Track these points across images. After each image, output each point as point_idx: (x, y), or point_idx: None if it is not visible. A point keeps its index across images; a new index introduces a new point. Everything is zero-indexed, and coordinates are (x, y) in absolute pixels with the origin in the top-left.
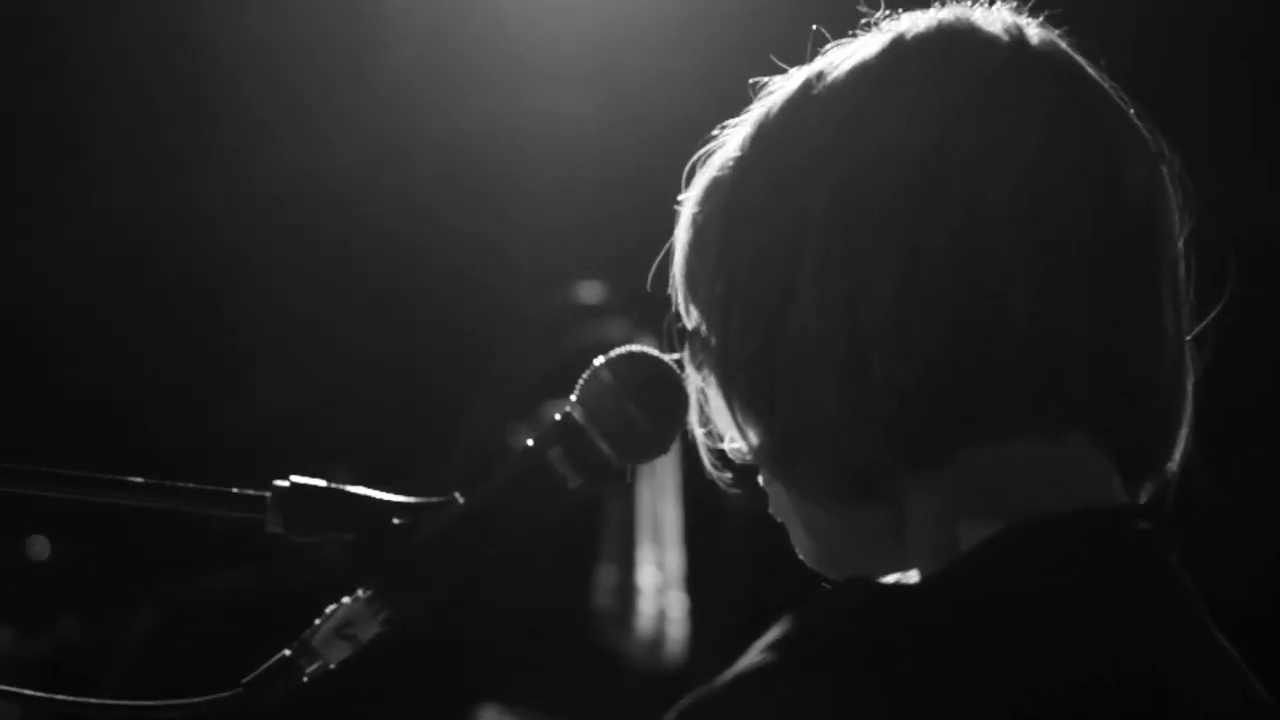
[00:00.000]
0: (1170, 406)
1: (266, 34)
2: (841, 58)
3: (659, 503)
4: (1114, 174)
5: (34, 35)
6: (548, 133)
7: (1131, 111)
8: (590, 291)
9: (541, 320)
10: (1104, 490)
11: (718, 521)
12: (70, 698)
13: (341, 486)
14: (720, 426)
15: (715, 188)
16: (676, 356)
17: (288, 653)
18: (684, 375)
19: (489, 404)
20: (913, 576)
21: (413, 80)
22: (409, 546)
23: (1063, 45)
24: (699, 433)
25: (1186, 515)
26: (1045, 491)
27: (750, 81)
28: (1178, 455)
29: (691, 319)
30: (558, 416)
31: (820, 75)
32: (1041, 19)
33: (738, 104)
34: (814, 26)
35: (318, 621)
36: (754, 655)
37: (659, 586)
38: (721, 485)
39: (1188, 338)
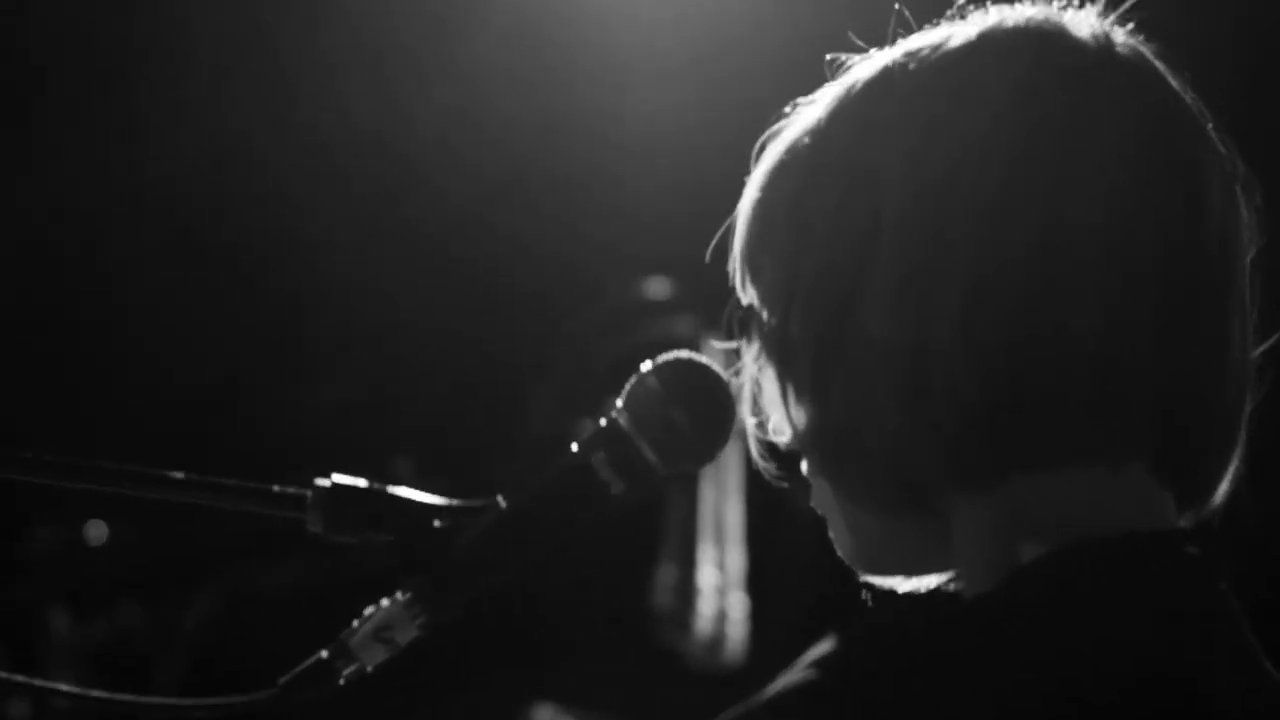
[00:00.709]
0: (1229, 436)
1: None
2: (927, 47)
3: (722, 502)
4: (1194, 196)
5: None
6: (622, 127)
7: (1210, 126)
8: (658, 287)
9: (609, 315)
10: (1157, 516)
11: (780, 523)
12: (104, 693)
13: (383, 487)
14: (772, 415)
15: (785, 171)
16: (734, 345)
17: (324, 654)
18: (733, 386)
19: (553, 399)
20: (950, 583)
21: (494, 62)
22: (449, 550)
23: (1148, 55)
24: (750, 423)
25: (1233, 544)
26: (1098, 516)
27: (828, 58)
28: (1227, 482)
29: (750, 298)
30: (603, 422)
31: (904, 64)
32: (1128, 26)
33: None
34: (896, 6)
35: (355, 623)
36: (798, 672)
37: (719, 587)
38: (769, 477)
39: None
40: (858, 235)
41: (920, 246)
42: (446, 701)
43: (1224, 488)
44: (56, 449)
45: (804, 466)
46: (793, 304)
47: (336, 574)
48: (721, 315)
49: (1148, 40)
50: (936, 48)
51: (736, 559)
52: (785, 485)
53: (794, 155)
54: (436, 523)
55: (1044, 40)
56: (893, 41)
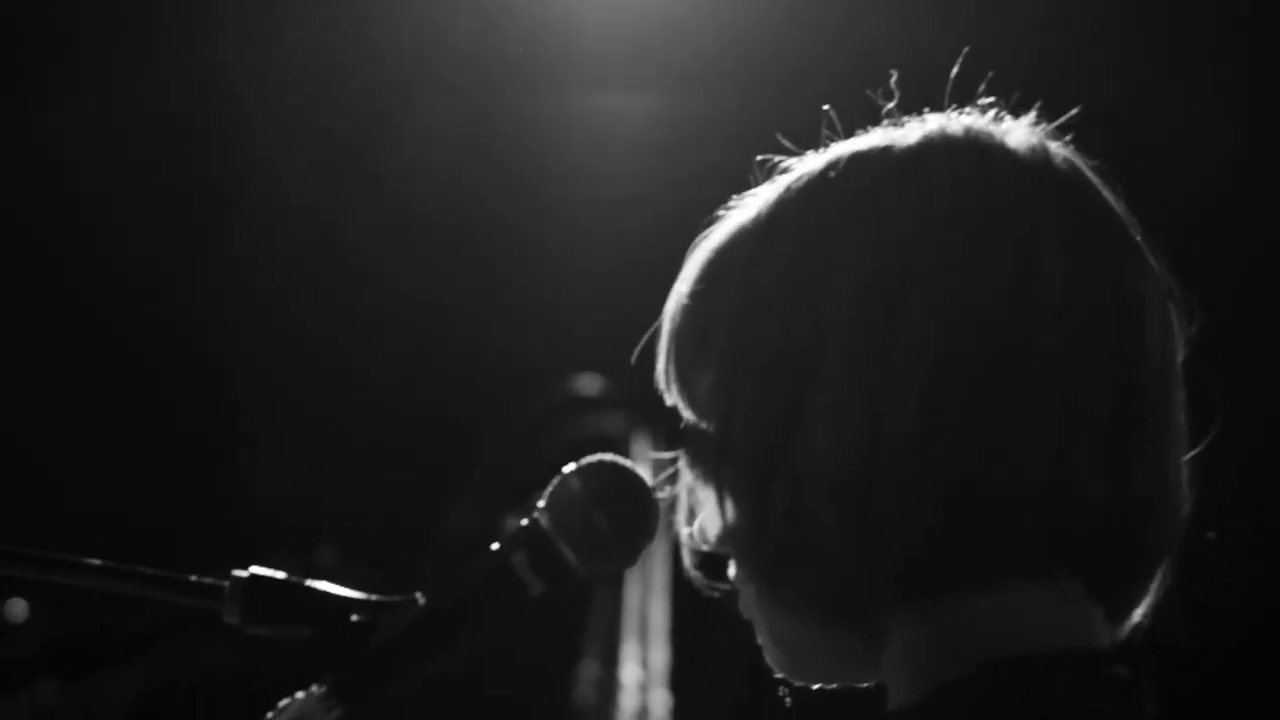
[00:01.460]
0: (1163, 555)
1: None
2: (869, 151)
3: (646, 599)
4: (1138, 319)
5: None
6: (549, 226)
7: (1140, 238)
8: (589, 383)
9: (538, 411)
10: (1088, 634)
11: (705, 620)
12: None
13: (301, 580)
14: (705, 521)
15: (720, 276)
16: (668, 455)
17: None
18: (661, 491)
19: (477, 495)
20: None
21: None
22: (366, 645)
23: (1083, 169)
24: (683, 532)
25: (1163, 662)
26: (1032, 632)
27: (757, 159)
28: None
29: (681, 404)
30: (524, 522)
31: (846, 169)
32: (1064, 140)
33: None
34: (825, 108)
35: (270, 716)
36: None
37: (642, 683)
38: (701, 587)
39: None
40: (800, 351)
41: (867, 365)
42: None
43: (1148, 604)
44: None
45: (732, 572)
46: (732, 417)
47: (258, 659)
48: (651, 412)
49: (1079, 154)
50: (880, 152)
51: (660, 656)
52: (716, 595)
53: (729, 260)
54: (354, 617)
55: (986, 152)
56: (825, 144)
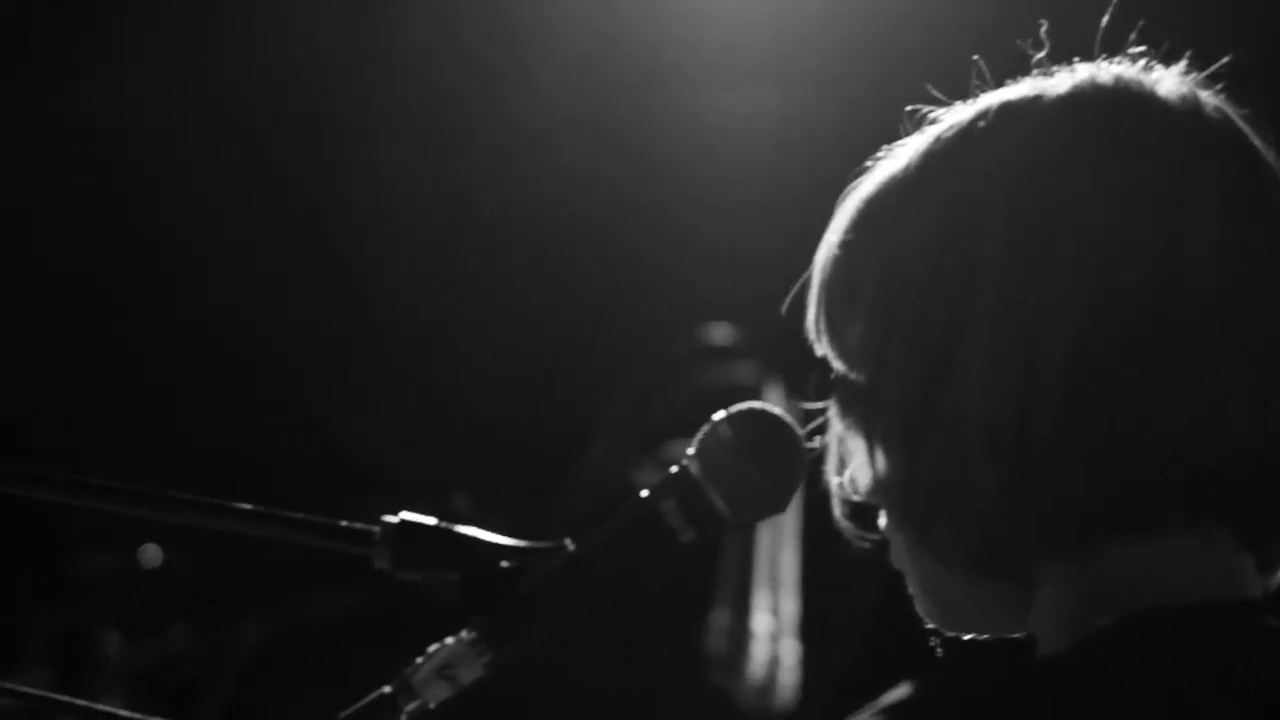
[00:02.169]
0: None
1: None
2: (1019, 101)
3: (777, 549)
4: None
5: None
6: (683, 176)
7: None
8: (720, 333)
9: (670, 360)
10: (1239, 584)
11: (835, 570)
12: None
13: (450, 526)
14: (858, 474)
15: (871, 225)
16: (807, 406)
17: (387, 690)
18: (804, 434)
19: (611, 442)
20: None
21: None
22: (516, 591)
23: (1234, 117)
24: (833, 481)
25: None
26: (1182, 582)
27: (906, 110)
28: None
29: (831, 353)
30: (674, 469)
31: (997, 118)
32: (1214, 89)
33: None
34: (975, 58)
35: (419, 660)
36: (867, 715)
37: (773, 632)
38: (852, 538)
39: None
40: (951, 301)
41: (1020, 311)
42: None
43: None
44: (106, 474)
45: (882, 522)
46: (883, 365)
47: (386, 607)
48: (783, 361)
49: (1230, 101)
50: (1029, 102)
51: (790, 605)
52: (867, 545)
53: (878, 208)
54: (504, 563)
55: (1138, 100)
56: (974, 96)
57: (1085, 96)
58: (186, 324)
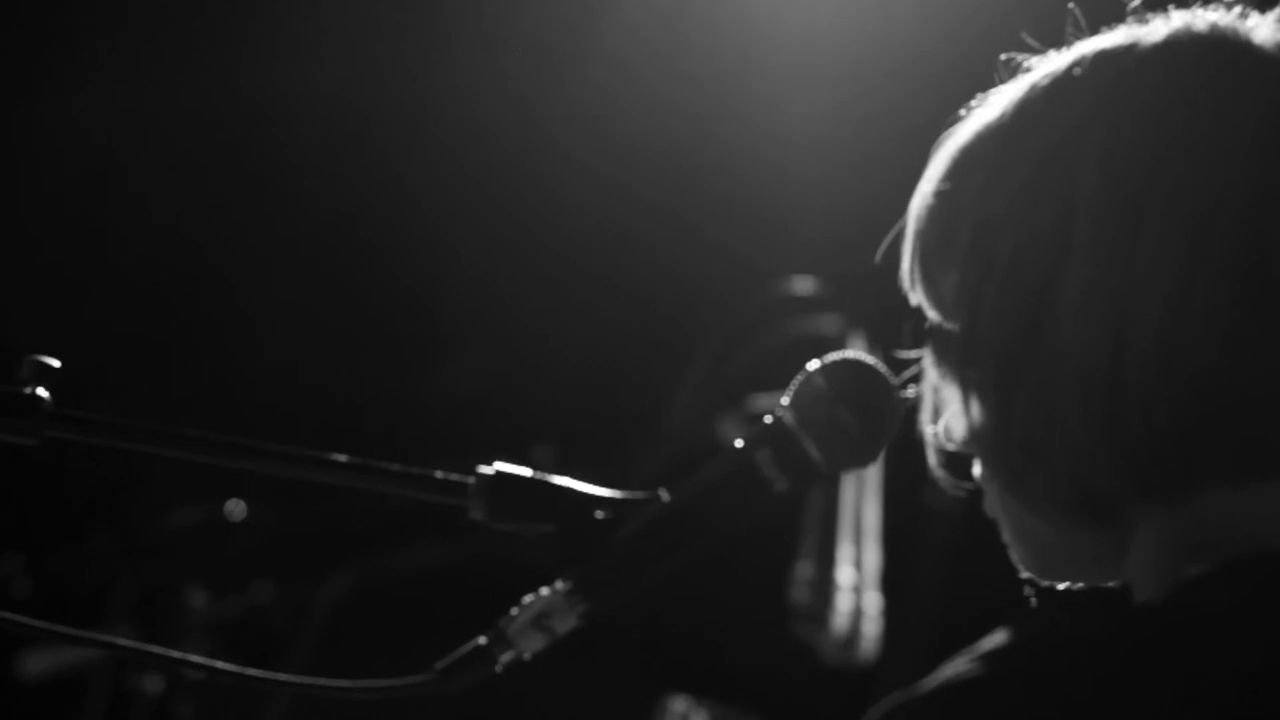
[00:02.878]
0: None
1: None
2: (1114, 49)
3: (861, 501)
4: None
5: None
6: (766, 126)
7: None
8: (803, 285)
9: (751, 312)
10: None
11: (918, 523)
12: (263, 673)
13: (545, 476)
14: (949, 421)
15: (966, 172)
16: (898, 355)
17: (483, 641)
18: (897, 384)
19: (694, 395)
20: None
21: (644, 51)
22: (612, 541)
23: None
24: (928, 430)
25: None
26: (1277, 530)
27: (1002, 58)
28: None
29: (926, 301)
30: (768, 419)
31: (1092, 65)
32: None
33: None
34: (1070, 5)
35: (514, 611)
36: (962, 664)
37: (856, 584)
38: (947, 488)
39: None
40: (1046, 250)
41: (1113, 263)
42: (581, 690)
43: None
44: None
45: (976, 471)
46: (979, 310)
47: (470, 561)
48: (866, 313)
49: None
50: (1125, 49)
51: (873, 557)
52: (961, 493)
53: (974, 157)
54: (599, 514)
55: (1234, 47)
56: (1068, 44)
57: (1180, 44)
58: (272, 289)
